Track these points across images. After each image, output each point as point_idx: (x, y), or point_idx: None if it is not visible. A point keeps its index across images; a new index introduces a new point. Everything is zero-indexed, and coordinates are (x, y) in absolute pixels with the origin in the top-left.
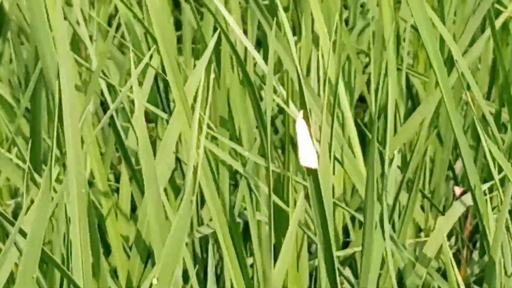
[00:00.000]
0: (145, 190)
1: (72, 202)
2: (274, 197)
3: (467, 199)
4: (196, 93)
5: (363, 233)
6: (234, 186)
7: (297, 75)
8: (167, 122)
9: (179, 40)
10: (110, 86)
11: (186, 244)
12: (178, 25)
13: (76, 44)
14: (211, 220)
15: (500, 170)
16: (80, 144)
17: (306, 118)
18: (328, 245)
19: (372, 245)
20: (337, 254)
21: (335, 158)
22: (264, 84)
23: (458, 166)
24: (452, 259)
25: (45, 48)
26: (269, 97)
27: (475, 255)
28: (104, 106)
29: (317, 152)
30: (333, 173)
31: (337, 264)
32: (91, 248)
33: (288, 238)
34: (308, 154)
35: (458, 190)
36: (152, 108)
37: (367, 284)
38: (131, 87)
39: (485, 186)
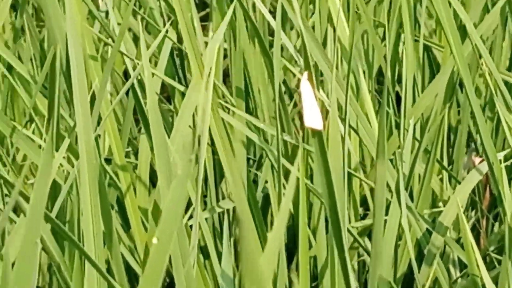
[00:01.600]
0: (156, 160)
1: (82, 171)
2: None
3: (484, 167)
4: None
5: (373, 202)
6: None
7: (300, 32)
8: (184, 95)
9: (204, 19)
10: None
11: (207, 219)
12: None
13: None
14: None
15: None
16: (89, 112)
17: (311, 79)
18: (335, 211)
19: (381, 213)
20: (355, 225)
21: (350, 126)
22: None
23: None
24: (467, 227)
25: (53, 20)
26: (277, 51)
27: (496, 227)
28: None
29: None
30: (350, 140)
31: (354, 235)
32: (104, 220)
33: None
34: (313, 115)
35: (477, 159)
36: (167, 79)
37: (378, 255)
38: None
39: (501, 154)
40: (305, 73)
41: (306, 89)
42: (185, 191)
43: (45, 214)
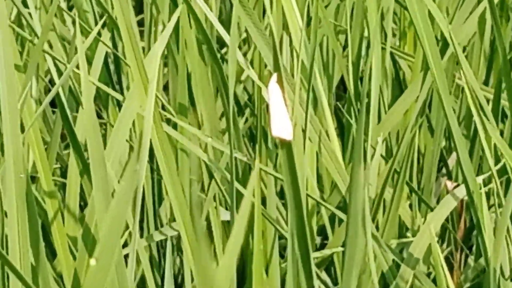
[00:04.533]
0: (93, 182)
1: (9, 188)
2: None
3: (460, 192)
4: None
5: (346, 229)
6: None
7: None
8: (119, 107)
9: (140, 24)
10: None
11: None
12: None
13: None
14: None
15: (497, 162)
16: (19, 126)
17: (280, 83)
18: (304, 235)
19: (356, 244)
20: (314, 255)
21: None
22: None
23: (451, 161)
24: (442, 259)
25: None
26: (232, 63)
27: (470, 262)
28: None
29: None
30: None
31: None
32: (32, 246)
33: (240, 218)
34: (281, 124)
35: (450, 184)
36: (103, 87)
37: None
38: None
39: (481, 178)
40: (274, 75)
41: (274, 94)
42: (126, 206)
43: None
